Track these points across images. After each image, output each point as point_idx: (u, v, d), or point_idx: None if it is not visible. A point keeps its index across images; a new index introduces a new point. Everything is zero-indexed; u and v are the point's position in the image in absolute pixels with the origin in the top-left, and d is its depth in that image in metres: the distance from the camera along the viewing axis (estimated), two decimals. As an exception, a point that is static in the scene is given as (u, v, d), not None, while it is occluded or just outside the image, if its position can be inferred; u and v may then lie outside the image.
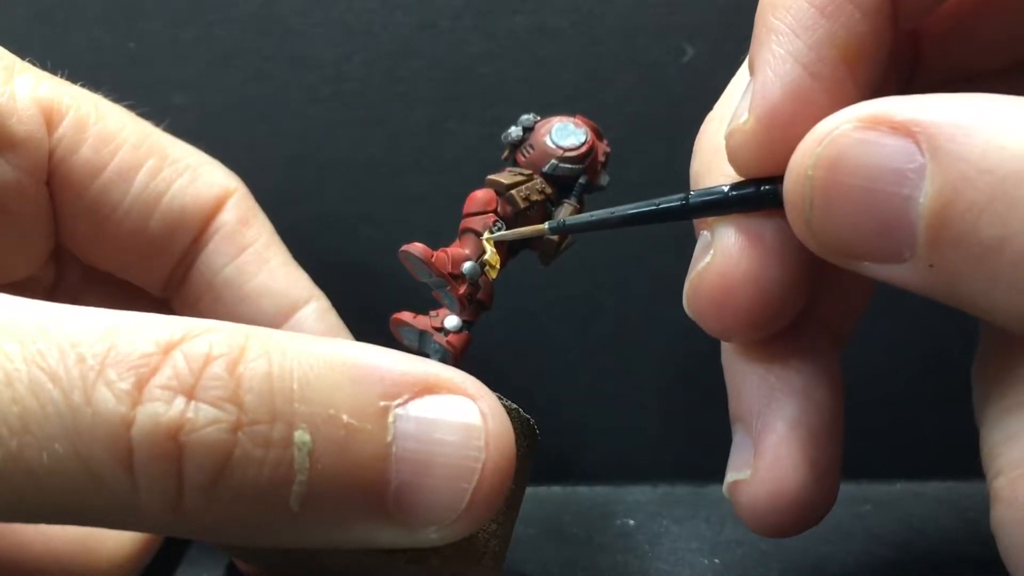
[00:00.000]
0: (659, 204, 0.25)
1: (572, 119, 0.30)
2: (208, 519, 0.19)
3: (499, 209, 0.29)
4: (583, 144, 0.29)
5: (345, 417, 0.20)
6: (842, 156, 0.21)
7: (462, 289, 0.28)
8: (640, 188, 0.41)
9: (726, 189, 0.24)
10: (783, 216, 0.23)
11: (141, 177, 0.31)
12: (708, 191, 0.25)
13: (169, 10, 0.40)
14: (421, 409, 0.20)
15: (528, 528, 0.36)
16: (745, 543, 0.34)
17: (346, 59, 0.40)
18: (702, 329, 0.26)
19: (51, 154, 0.30)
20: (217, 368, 0.19)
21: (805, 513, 0.26)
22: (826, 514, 0.26)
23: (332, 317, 0.33)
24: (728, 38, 0.40)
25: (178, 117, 0.39)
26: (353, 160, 0.41)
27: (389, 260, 0.32)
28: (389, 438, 0.20)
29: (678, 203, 0.25)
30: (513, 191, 0.29)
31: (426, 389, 0.21)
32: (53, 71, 0.32)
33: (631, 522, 0.37)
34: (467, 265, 0.28)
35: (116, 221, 0.31)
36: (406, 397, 0.20)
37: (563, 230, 0.28)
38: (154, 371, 0.19)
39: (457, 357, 0.28)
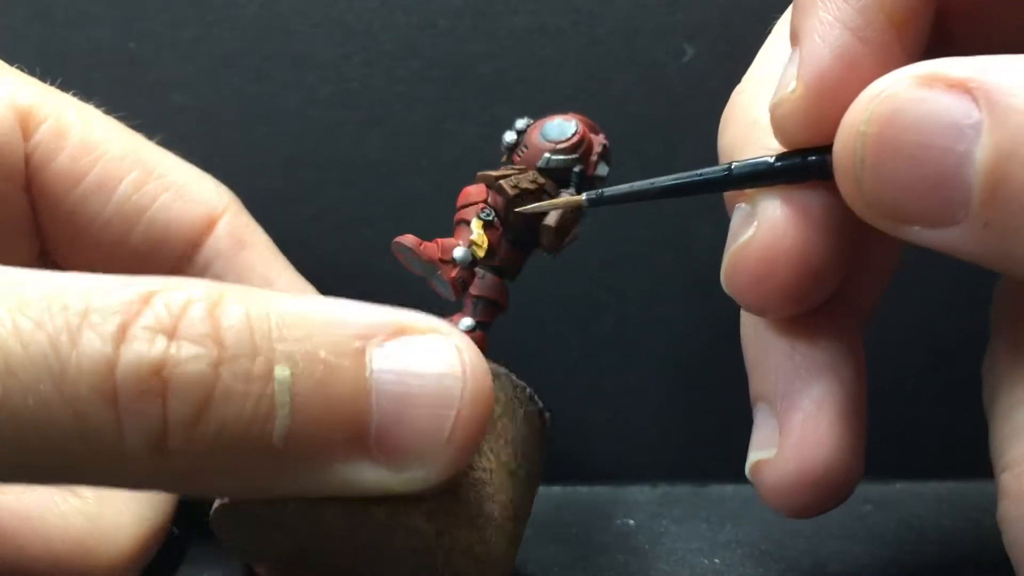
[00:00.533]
0: (702, 174, 0.25)
1: (563, 116, 0.30)
2: (191, 461, 0.20)
3: (490, 199, 0.29)
4: (573, 135, 0.29)
5: (323, 353, 0.20)
6: (897, 112, 0.20)
7: (453, 273, 0.28)
8: (640, 188, 0.41)
9: (772, 159, 0.24)
10: (828, 188, 0.23)
11: (122, 190, 0.31)
12: (751, 162, 0.24)
13: (169, 10, 0.40)
14: (396, 347, 0.21)
15: (528, 528, 0.36)
16: (745, 543, 0.34)
17: (346, 59, 0.40)
18: (738, 304, 0.26)
19: (28, 160, 0.30)
20: (197, 311, 0.20)
21: (832, 491, 0.25)
22: (850, 493, 0.26)
23: None
24: (728, 38, 0.40)
25: (178, 117, 0.39)
26: (353, 160, 0.41)
27: (389, 260, 0.32)
28: (367, 373, 0.21)
29: (722, 173, 0.25)
30: (501, 181, 0.29)
31: (399, 331, 0.21)
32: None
33: (631, 522, 0.37)
34: (458, 250, 0.28)
35: (95, 232, 0.31)
36: (380, 338, 0.21)
37: (602, 202, 0.27)
38: (136, 315, 0.19)
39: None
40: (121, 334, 0.19)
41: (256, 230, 0.34)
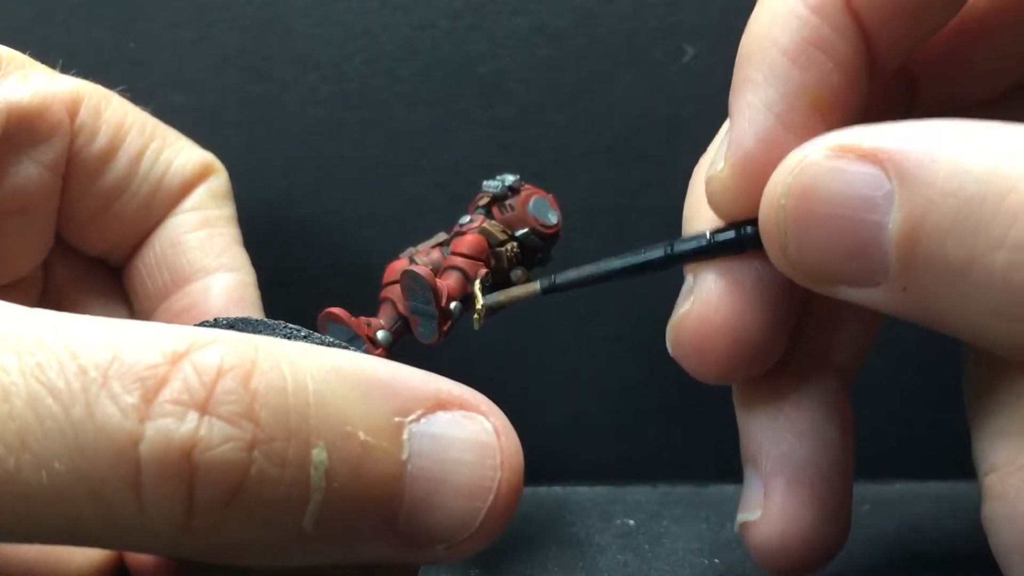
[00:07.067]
0: (644, 255, 0.26)
1: (548, 197, 0.32)
2: (217, 539, 0.19)
3: (489, 260, 0.31)
4: (556, 226, 0.32)
5: (362, 435, 0.19)
6: (812, 184, 0.21)
7: (447, 326, 0.30)
8: (640, 188, 0.41)
9: (708, 235, 0.25)
10: (765, 258, 0.23)
11: (147, 160, 0.32)
12: (691, 238, 0.25)
13: (169, 10, 0.40)
14: (435, 426, 0.20)
15: (528, 528, 0.36)
16: (745, 543, 0.34)
17: (346, 59, 0.40)
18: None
19: (71, 144, 0.30)
20: (231, 382, 0.18)
21: (816, 554, 0.26)
22: (838, 551, 0.27)
23: (250, 293, 0.33)
24: (728, 38, 0.40)
25: (178, 117, 0.39)
26: (353, 160, 0.41)
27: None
28: (404, 456, 0.19)
29: (662, 253, 0.26)
30: (503, 249, 0.31)
31: (438, 405, 0.20)
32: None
33: (631, 522, 0.37)
34: (454, 304, 0.30)
35: (123, 203, 0.32)
36: (419, 413, 0.20)
37: (554, 289, 0.28)
38: (162, 383, 0.18)
39: None
40: (145, 406, 0.18)
41: (229, 190, 0.34)
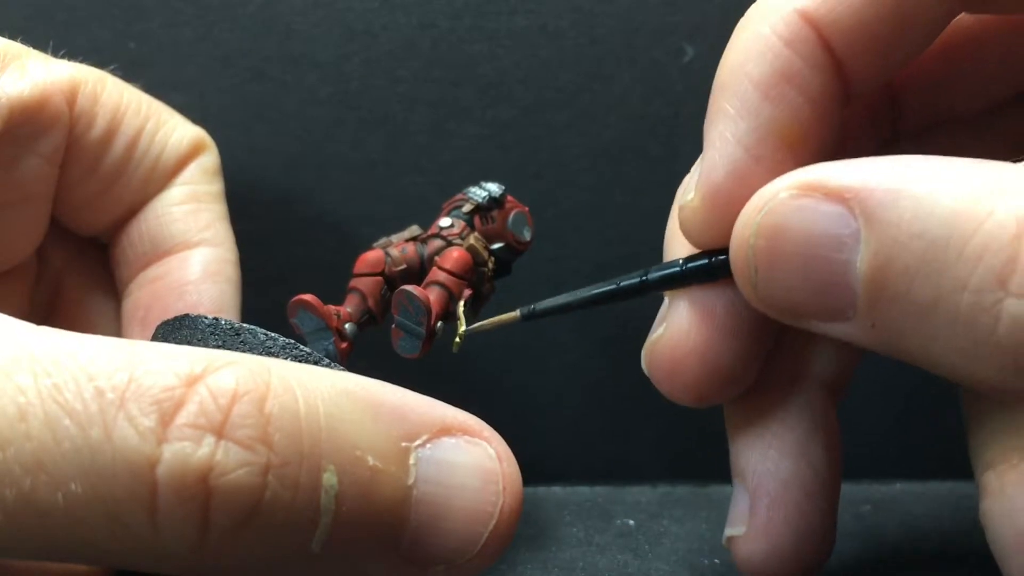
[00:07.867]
0: (620, 283, 0.27)
1: (525, 212, 0.33)
2: (227, 560, 0.19)
3: (472, 278, 0.31)
4: (528, 242, 0.33)
5: (371, 459, 0.19)
6: (781, 224, 0.22)
7: (428, 347, 0.30)
8: (640, 188, 0.41)
9: (681, 262, 0.25)
10: (735, 286, 0.24)
11: (143, 142, 0.32)
12: (664, 266, 0.26)
13: (169, 10, 0.40)
14: (440, 451, 0.20)
15: (528, 528, 0.36)
16: (745, 543, 0.34)
17: (346, 59, 0.40)
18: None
19: (70, 132, 0.30)
20: (246, 406, 0.18)
21: (800, 568, 0.27)
22: (823, 565, 0.27)
23: (228, 269, 0.33)
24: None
25: (178, 117, 0.39)
26: (353, 160, 0.41)
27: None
28: (410, 481, 0.20)
29: (638, 281, 0.26)
30: (485, 269, 0.31)
31: (443, 430, 0.21)
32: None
33: (631, 522, 0.37)
34: (439, 324, 0.30)
35: (121, 185, 0.32)
36: (425, 438, 0.20)
37: (534, 316, 0.29)
38: (178, 406, 0.18)
39: (341, 363, 0.30)
40: (162, 429, 0.18)
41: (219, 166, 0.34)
